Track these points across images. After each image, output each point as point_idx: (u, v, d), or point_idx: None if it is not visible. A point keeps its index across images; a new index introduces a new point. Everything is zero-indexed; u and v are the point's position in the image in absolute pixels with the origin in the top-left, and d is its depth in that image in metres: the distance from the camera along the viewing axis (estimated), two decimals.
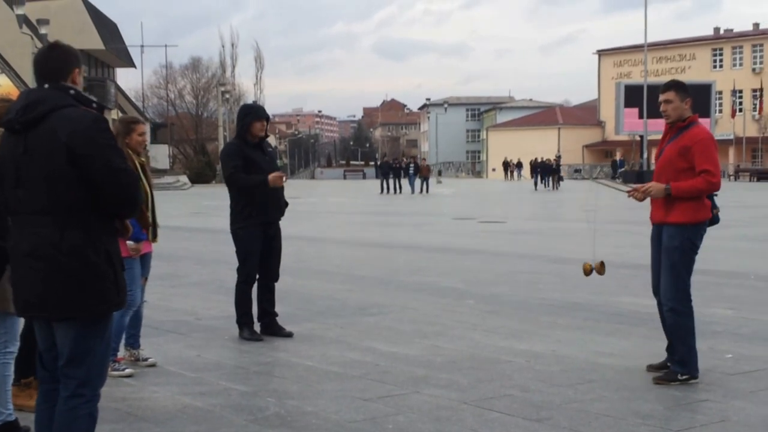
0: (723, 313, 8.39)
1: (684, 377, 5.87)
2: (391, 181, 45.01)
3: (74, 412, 3.66)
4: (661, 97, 6.08)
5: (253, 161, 7.35)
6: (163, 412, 5.31)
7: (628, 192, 6.14)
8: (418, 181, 44.78)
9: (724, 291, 9.52)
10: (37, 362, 3.87)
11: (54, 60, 3.68)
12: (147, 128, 6.50)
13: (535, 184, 49.55)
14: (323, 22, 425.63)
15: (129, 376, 6.21)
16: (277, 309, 7.67)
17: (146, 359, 6.55)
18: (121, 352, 6.43)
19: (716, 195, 6.25)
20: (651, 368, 6.24)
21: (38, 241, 3.56)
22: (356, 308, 8.96)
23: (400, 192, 43.95)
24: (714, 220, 6.18)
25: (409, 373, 6.14)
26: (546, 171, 50.60)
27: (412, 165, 47.90)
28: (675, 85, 6.11)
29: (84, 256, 3.55)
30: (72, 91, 3.63)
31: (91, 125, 3.54)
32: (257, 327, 7.53)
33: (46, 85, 3.64)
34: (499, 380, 5.94)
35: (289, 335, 7.46)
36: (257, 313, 7.57)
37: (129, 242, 6.15)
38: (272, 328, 7.53)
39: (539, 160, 54.15)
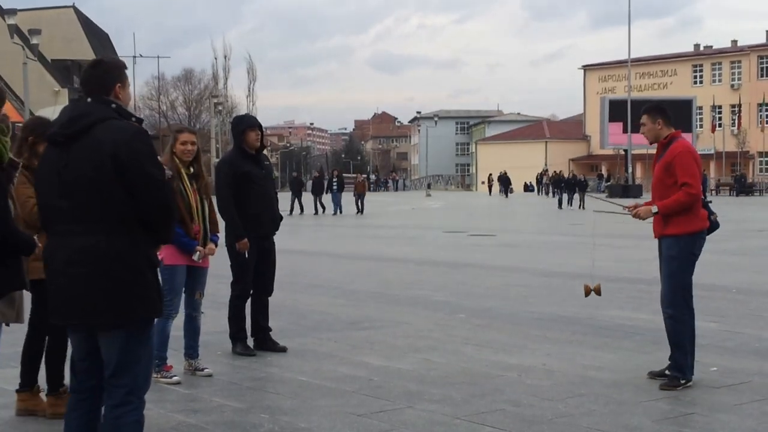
0: (707, 326, 8.47)
1: (684, 381, 6.14)
2: (303, 199, 36.70)
3: (122, 420, 3.74)
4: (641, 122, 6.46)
5: (248, 175, 7.31)
6: (156, 430, 5.32)
7: (628, 208, 6.47)
8: (350, 199, 37.81)
9: (708, 304, 9.63)
10: (70, 372, 3.97)
11: (97, 76, 3.82)
12: (194, 137, 6.62)
13: (560, 202, 42.43)
14: (320, 36, 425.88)
15: (177, 383, 6.39)
16: (269, 324, 7.71)
17: (203, 369, 6.70)
18: (170, 361, 6.56)
19: (710, 202, 6.54)
20: (651, 375, 6.45)
21: (82, 249, 3.63)
22: (349, 322, 9.04)
23: (323, 212, 35.98)
24: (713, 226, 6.45)
25: (403, 388, 6.22)
26: (570, 187, 43.41)
27: (335, 180, 38.22)
28: (646, 109, 6.47)
29: (129, 262, 3.65)
30: (113, 105, 3.76)
31: (135, 136, 3.69)
32: (250, 342, 7.58)
33: (89, 99, 3.77)
34: (491, 395, 6.03)
35: (283, 350, 7.51)
36: (251, 328, 7.62)
37: (198, 249, 6.45)
38: (265, 344, 7.57)
39: (566, 175, 48.30)
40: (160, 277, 6.39)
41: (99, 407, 3.97)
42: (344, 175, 47.75)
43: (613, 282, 12.21)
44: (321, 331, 8.56)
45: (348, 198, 38.64)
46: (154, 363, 6.38)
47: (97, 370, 3.86)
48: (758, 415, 5.49)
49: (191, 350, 6.76)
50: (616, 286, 11.71)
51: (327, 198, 37.51)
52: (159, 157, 3.91)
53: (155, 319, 6.32)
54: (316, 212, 35.80)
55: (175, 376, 6.47)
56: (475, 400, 5.91)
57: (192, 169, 6.53)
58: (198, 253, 6.48)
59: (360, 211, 36.05)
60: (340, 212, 35.76)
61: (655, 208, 6.25)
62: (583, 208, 40.08)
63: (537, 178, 68.42)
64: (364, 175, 55.91)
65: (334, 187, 37.34)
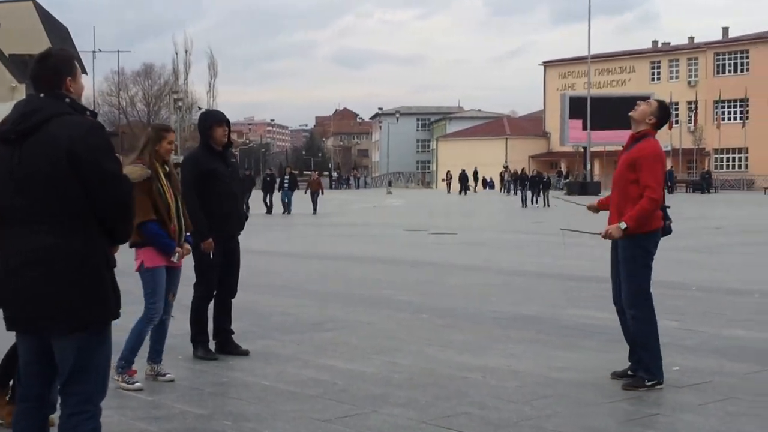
0: (668, 324, 8.50)
1: (651, 383, 6.15)
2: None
3: (78, 429, 3.61)
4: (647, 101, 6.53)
5: (214, 173, 7.16)
6: None
7: (602, 236, 6.42)
8: (304, 198, 36.08)
9: (668, 302, 9.68)
10: (16, 379, 3.81)
11: (46, 71, 3.69)
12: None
13: (523, 200, 41.98)
14: (282, 31, 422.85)
15: (139, 390, 6.25)
16: (231, 326, 7.62)
17: (165, 375, 6.58)
18: (134, 365, 6.43)
19: (668, 207, 6.57)
20: (615, 375, 6.48)
21: (37, 249, 3.52)
22: (311, 324, 8.97)
23: (270, 211, 34.19)
24: (666, 230, 6.48)
25: (367, 392, 6.17)
26: (534, 185, 42.85)
27: (287, 178, 36.03)
28: (660, 102, 6.57)
29: (87, 262, 3.54)
30: (67, 100, 3.65)
31: (90, 131, 3.58)
32: (212, 345, 7.46)
33: (42, 95, 3.66)
34: (456, 397, 6.00)
35: (245, 353, 7.41)
36: (212, 330, 7.50)
37: (177, 250, 6.37)
38: (228, 347, 7.47)
39: (527, 172, 48.03)
40: (141, 281, 6.38)
41: (48, 416, 3.85)
42: (305, 172, 46.39)
43: (575, 281, 12.31)
44: (284, 332, 8.48)
45: (301, 196, 37.29)
46: (120, 364, 6.29)
47: (45, 375, 3.72)
48: (722, 415, 5.53)
49: (156, 354, 6.63)
50: (578, 285, 11.81)
51: (276, 197, 35.54)
52: (118, 155, 3.83)
53: (140, 321, 6.34)
54: (268, 211, 33.97)
55: (137, 382, 6.34)
56: (440, 402, 5.88)
57: (167, 168, 6.47)
58: (177, 254, 6.41)
59: (314, 210, 34.46)
60: (289, 212, 33.76)
61: (623, 225, 6.18)
62: (548, 205, 40.18)
63: (501, 176, 68.57)
64: (325, 173, 54.82)
65: (286, 186, 35.49)
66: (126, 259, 6.65)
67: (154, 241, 6.29)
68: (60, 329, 3.56)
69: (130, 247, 6.30)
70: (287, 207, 34.38)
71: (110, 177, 3.56)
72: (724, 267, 14.49)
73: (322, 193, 36.22)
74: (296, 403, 5.89)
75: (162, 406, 5.92)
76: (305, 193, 36.42)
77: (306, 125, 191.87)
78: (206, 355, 7.31)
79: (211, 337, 7.48)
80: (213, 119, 7.37)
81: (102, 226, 3.60)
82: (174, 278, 6.57)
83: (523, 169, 53.61)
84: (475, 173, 71.25)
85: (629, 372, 6.39)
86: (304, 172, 67.56)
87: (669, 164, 64.27)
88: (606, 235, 6.32)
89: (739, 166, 73.68)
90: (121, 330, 6.52)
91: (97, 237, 3.59)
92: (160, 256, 6.37)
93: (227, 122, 7.37)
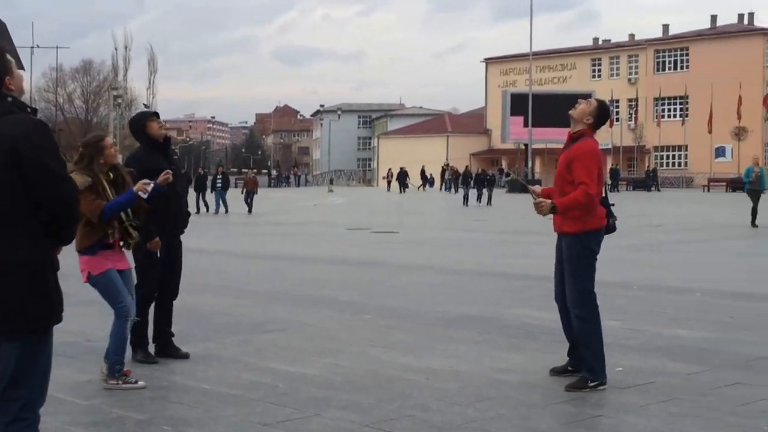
0: (610, 324, 8.51)
1: (593, 384, 6.14)
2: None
3: None
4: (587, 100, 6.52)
5: (156, 171, 6.88)
6: None
7: (536, 196, 6.38)
8: (239, 197, 35.36)
9: (609, 302, 9.70)
10: None
11: None
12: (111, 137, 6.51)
13: (466, 198, 40.86)
14: (224, 27, 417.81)
15: (143, 388, 6.19)
16: (171, 328, 7.47)
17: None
18: (127, 365, 6.39)
19: (613, 204, 6.58)
20: (554, 371, 6.50)
21: None
22: (253, 325, 8.84)
23: (206, 210, 33.23)
24: (610, 228, 6.49)
25: (309, 395, 6.08)
26: (479, 183, 42.01)
27: (219, 177, 34.64)
28: (599, 102, 6.55)
29: (31, 265, 3.47)
30: (9, 99, 3.56)
31: (34, 128, 3.50)
32: (151, 348, 7.31)
33: None
34: (399, 400, 5.94)
35: (185, 356, 7.27)
36: (152, 333, 7.35)
37: (143, 182, 6.33)
38: (168, 350, 7.32)
39: (468, 170, 47.40)
40: (98, 289, 6.25)
41: None
42: (243, 170, 45.48)
43: (517, 279, 12.36)
44: (224, 334, 8.34)
45: (237, 196, 36.50)
46: (116, 369, 6.27)
47: None
48: (665, 416, 5.56)
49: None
50: (522, 284, 11.85)
51: (210, 197, 34.36)
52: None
53: (117, 323, 6.18)
54: (198, 211, 31.81)
55: (139, 380, 6.29)
56: (384, 405, 5.81)
57: (111, 175, 6.36)
58: (144, 186, 6.32)
59: (249, 210, 33.55)
60: (226, 211, 33.12)
61: (554, 206, 6.18)
62: (490, 204, 40.20)
63: (441, 174, 68.83)
64: (264, 171, 53.98)
65: (219, 185, 34.24)
66: (70, 261, 6.50)
67: (116, 207, 6.25)
68: (2, 333, 3.49)
69: (76, 250, 6.19)
70: (225, 206, 33.52)
71: (52, 175, 3.49)
72: (665, 265, 14.69)
73: (257, 192, 35.72)
74: (237, 407, 5.78)
75: (100, 410, 5.76)
76: (241, 192, 35.92)
77: (246, 122, 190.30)
78: (146, 359, 7.15)
79: (150, 340, 7.32)
80: (144, 116, 7.43)
81: (46, 227, 3.53)
82: (126, 279, 6.50)
83: (466, 167, 53.55)
84: (423, 172, 71.29)
85: (569, 368, 6.41)
86: (243, 170, 66.81)
87: (612, 162, 65.29)
88: (537, 205, 6.24)
89: (679, 164, 74.91)
90: (101, 339, 6.39)
91: (41, 239, 3.52)
92: (104, 261, 6.30)
93: (157, 115, 7.41)
